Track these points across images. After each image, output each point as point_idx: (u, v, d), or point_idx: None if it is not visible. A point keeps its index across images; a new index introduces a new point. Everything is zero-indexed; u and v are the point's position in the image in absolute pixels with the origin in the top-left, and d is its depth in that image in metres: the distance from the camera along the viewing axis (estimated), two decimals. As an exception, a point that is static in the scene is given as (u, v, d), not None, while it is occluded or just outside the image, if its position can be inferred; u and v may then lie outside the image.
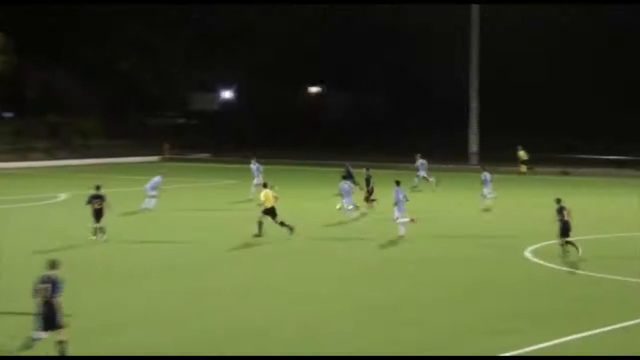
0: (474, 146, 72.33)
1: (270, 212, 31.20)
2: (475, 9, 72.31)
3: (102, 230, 30.89)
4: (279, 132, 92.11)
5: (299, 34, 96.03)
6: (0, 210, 41.14)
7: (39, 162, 76.54)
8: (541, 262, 27.52)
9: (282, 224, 31.32)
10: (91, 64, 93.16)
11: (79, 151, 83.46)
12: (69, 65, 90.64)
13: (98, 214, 30.83)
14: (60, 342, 15.70)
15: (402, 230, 31.71)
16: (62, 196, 47.31)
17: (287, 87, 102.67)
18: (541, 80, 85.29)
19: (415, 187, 48.69)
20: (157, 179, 39.67)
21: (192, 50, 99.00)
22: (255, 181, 45.38)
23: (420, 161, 51.67)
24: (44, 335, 15.63)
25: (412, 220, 31.98)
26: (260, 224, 31.18)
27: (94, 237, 30.81)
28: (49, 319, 15.49)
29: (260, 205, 31.59)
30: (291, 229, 31.34)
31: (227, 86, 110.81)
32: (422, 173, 51.22)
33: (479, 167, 50.76)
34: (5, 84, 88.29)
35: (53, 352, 15.95)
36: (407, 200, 32.12)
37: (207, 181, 52.43)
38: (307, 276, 25.60)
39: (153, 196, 39.06)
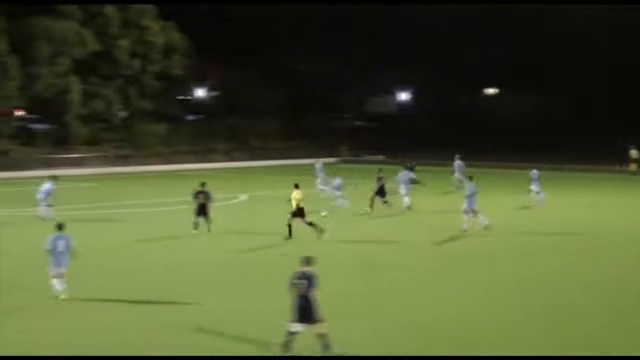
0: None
1: (299, 213, 31.10)
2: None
3: (208, 223, 32.44)
4: (454, 134, 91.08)
5: (475, 35, 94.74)
6: (183, 210, 42.01)
7: (219, 164, 78.44)
8: None
9: (310, 224, 31.19)
10: (270, 67, 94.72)
11: (257, 153, 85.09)
12: (248, 68, 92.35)
13: (202, 208, 32.56)
14: (322, 336, 15.99)
15: (465, 226, 32.34)
16: (242, 197, 47.97)
17: (463, 89, 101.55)
18: None
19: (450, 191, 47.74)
20: (338, 181, 40.62)
21: (370, 52, 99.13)
22: (318, 180, 47.55)
23: (458, 162, 50.77)
24: (299, 327, 15.98)
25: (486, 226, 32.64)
26: (289, 226, 31.05)
27: (195, 231, 32.24)
28: (305, 313, 15.84)
29: (291, 204, 31.51)
30: (321, 230, 31.11)
31: (404, 88, 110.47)
32: (458, 175, 49.99)
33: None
34: (186, 87, 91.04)
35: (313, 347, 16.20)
36: (476, 193, 32.59)
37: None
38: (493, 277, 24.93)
39: (340, 196, 40.07)
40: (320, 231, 31.11)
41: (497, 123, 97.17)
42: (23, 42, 74.26)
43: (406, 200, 40.37)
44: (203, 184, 33.52)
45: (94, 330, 18.80)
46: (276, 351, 16.23)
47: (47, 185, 37.13)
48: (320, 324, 15.97)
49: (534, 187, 41.81)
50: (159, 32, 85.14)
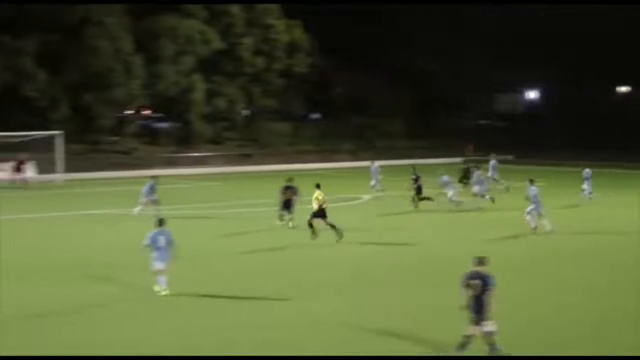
0: None
1: (321, 214, 30.66)
2: None
3: (291, 218, 33.27)
4: (584, 134, 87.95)
5: (607, 33, 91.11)
6: (300, 211, 40.92)
7: (344, 163, 77.00)
8: None
9: (332, 226, 30.61)
10: (396, 66, 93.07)
11: (382, 152, 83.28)
12: (374, 67, 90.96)
13: (288, 203, 33.60)
14: (468, 337, 15.88)
15: (548, 227, 32.18)
16: (365, 197, 46.72)
17: (594, 88, 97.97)
18: None
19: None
20: (445, 178, 41.70)
21: (498, 51, 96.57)
22: (372, 182, 47.39)
23: (493, 162, 49.34)
24: (491, 327, 15.73)
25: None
26: (311, 225, 30.69)
27: (280, 223, 33.56)
28: (477, 314, 15.68)
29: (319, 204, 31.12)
30: (340, 234, 30.34)
31: (532, 87, 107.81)
32: (492, 174, 48.23)
33: None
34: (312, 86, 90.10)
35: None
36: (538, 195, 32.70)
37: (510, 183, 49.93)
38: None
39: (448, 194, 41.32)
40: (340, 234, 30.42)
41: (629, 122, 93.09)
42: (148, 41, 74.39)
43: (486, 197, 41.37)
44: (290, 179, 34.31)
45: (197, 328, 18.56)
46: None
47: (147, 184, 37.97)
48: (479, 327, 15.71)
49: (585, 186, 42.97)
50: (283, 30, 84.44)
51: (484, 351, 15.88)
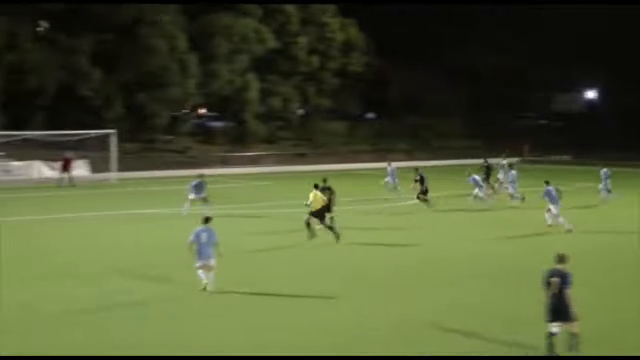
0: None
1: (318, 214, 30.24)
2: None
3: (332, 217, 32.08)
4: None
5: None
6: (358, 211, 40.75)
7: (399, 163, 75.90)
8: None
9: (330, 228, 30.43)
10: (453, 65, 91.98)
11: (438, 152, 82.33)
12: (430, 67, 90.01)
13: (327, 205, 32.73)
14: (573, 335, 15.89)
15: (549, 221, 32.69)
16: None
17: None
18: None
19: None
20: (474, 178, 41.93)
21: (556, 49, 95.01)
22: (387, 179, 48.23)
23: (504, 162, 47.30)
24: (555, 328, 15.75)
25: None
26: (307, 225, 30.21)
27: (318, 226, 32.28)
28: (560, 312, 15.70)
29: (307, 205, 30.85)
30: (337, 236, 30.06)
31: (590, 87, 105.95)
32: (501, 176, 46.14)
33: None
34: (367, 86, 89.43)
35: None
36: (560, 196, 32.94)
37: (567, 184, 48.85)
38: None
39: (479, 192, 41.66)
40: (312, 236, 30.13)
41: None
42: (202, 40, 74.33)
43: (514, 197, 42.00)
44: (325, 180, 33.81)
45: (242, 327, 18.46)
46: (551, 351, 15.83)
47: (192, 183, 38.53)
48: (574, 323, 15.76)
49: (601, 185, 43.13)
50: (338, 29, 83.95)
51: (498, 352, 15.74)
